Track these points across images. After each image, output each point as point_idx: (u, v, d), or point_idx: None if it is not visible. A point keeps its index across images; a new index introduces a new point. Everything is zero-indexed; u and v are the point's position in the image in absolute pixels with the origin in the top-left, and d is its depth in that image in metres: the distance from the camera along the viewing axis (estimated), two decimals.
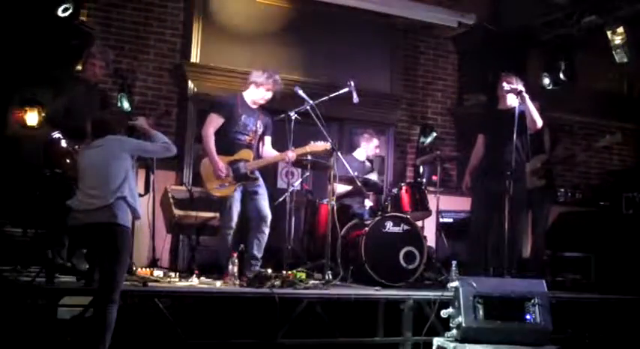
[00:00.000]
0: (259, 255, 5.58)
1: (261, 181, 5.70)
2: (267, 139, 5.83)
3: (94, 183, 4.03)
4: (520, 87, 5.74)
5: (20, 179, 5.74)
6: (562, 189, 8.17)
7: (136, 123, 5.34)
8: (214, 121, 5.55)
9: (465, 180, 6.20)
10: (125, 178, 4.03)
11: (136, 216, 4.14)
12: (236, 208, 5.50)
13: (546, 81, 8.20)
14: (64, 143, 5.10)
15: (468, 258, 6.02)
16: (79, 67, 5.39)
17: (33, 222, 5.40)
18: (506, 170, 5.59)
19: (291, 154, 5.60)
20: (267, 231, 5.61)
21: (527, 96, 5.68)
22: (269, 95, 5.66)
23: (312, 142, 5.73)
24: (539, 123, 5.78)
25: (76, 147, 5.09)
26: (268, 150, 5.81)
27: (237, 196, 5.52)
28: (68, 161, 5.07)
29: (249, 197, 5.60)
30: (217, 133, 5.57)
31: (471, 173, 6.13)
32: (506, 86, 5.84)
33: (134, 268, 5.10)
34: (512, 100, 5.87)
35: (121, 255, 3.96)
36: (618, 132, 6.44)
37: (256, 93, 5.64)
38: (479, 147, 6.14)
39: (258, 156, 5.73)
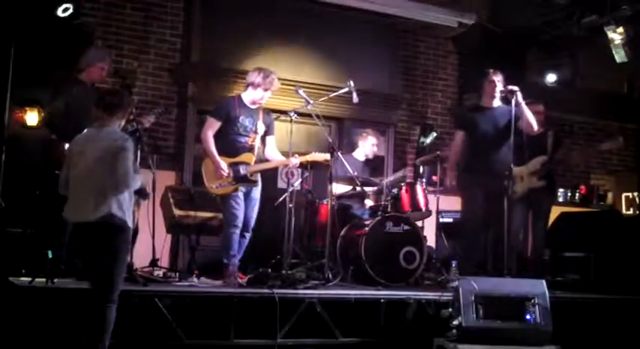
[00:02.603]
0: (238, 256, 5.57)
1: (259, 187, 5.69)
2: (270, 140, 5.78)
3: (83, 193, 3.91)
4: (514, 87, 5.74)
5: (20, 179, 5.74)
6: (562, 189, 8.17)
7: (144, 123, 5.36)
8: (211, 125, 5.57)
9: (450, 177, 6.09)
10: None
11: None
12: (241, 207, 5.50)
13: (546, 81, 8.21)
14: (63, 144, 5.09)
15: (464, 259, 5.96)
16: (79, 68, 5.35)
17: (33, 222, 5.40)
18: (499, 169, 5.62)
19: (295, 161, 5.62)
20: (248, 236, 5.61)
21: (522, 102, 5.68)
22: (268, 95, 5.63)
23: (313, 152, 5.75)
24: (535, 126, 5.80)
25: None
26: (272, 152, 5.76)
27: (241, 196, 5.52)
28: None
29: (244, 200, 5.60)
30: (218, 136, 5.57)
31: (452, 169, 6.07)
32: (499, 85, 5.84)
33: (134, 268, 5.10)
34: (497, 100, 5.90)
35: (118, 255, 3.91)
36: (620, 137, 6.42)
37: (254, 94, 5.62)
38: (459, 143, 6.09)
39: (260, 158, 5.72)
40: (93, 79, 5.34)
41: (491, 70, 5.98)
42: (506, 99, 5.87)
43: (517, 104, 5.65)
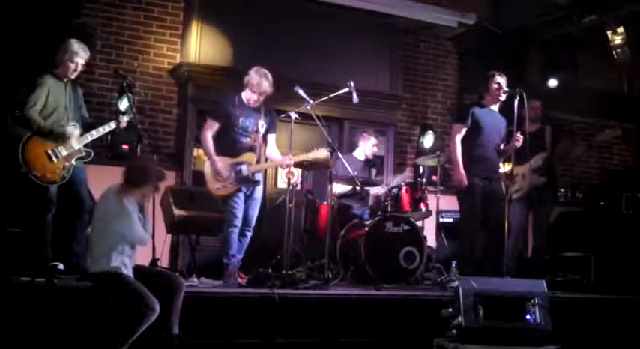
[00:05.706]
0: (240, 256, 5.57)
1: (260, 187, 5.68)
2: (271, 138, 5.76)
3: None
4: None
5: (19, 179, 5.73)
6: (562, 189, 8.17)
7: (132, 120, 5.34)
8: (210, 125, 5.59)
9: (460, 175, 5.72)
10: (113, 244, 4.10)
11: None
12: (240, 208, 5.49)
13: (546, 81, 8.21)
14: (40, 142, 5.01)
15: (462, 259, 5.89)
16: (56, 63, 5.25)
17: (31, 222, 5.39)
18: (497, 171, 5.62)
19: (289, 161, 5.57)
20: (249, 235, 5.61)
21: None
22: (264, 94, 5.57)
23: (314, 149, 5.65)
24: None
25: (58, 148, 5.05)
26: (271, 150, 5.74)
27: (241, 196, 5.51)
28: (44, 162, 5.00)
29: (245, 199, 5.59)
30: (219, 136, 5.58)
31: (460, 166, 5.78)
32: (505, 88, 5.80)
33: None
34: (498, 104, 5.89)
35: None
36: (618, 127, 6.41)
37: (247, 94, 5.60)
38: (458, 139, 5.82)
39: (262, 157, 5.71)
40: (66, 74, 5.24)
41: (496, 73, 5.90)
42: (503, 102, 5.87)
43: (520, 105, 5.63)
